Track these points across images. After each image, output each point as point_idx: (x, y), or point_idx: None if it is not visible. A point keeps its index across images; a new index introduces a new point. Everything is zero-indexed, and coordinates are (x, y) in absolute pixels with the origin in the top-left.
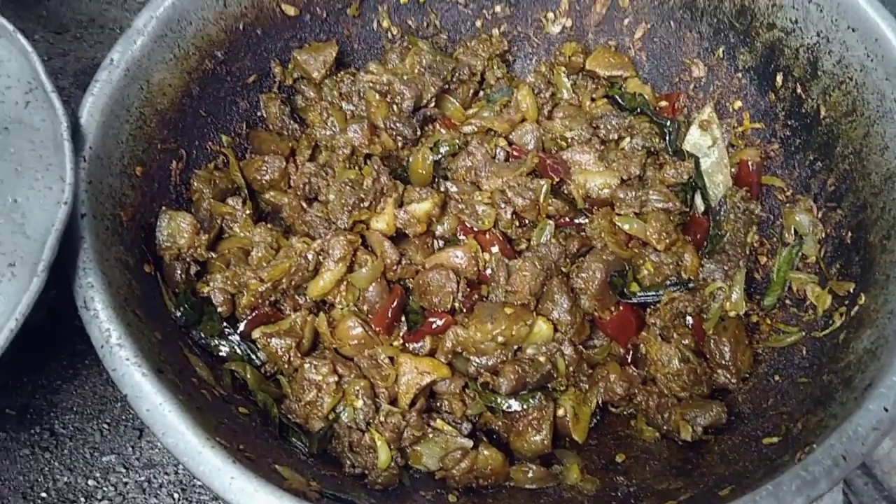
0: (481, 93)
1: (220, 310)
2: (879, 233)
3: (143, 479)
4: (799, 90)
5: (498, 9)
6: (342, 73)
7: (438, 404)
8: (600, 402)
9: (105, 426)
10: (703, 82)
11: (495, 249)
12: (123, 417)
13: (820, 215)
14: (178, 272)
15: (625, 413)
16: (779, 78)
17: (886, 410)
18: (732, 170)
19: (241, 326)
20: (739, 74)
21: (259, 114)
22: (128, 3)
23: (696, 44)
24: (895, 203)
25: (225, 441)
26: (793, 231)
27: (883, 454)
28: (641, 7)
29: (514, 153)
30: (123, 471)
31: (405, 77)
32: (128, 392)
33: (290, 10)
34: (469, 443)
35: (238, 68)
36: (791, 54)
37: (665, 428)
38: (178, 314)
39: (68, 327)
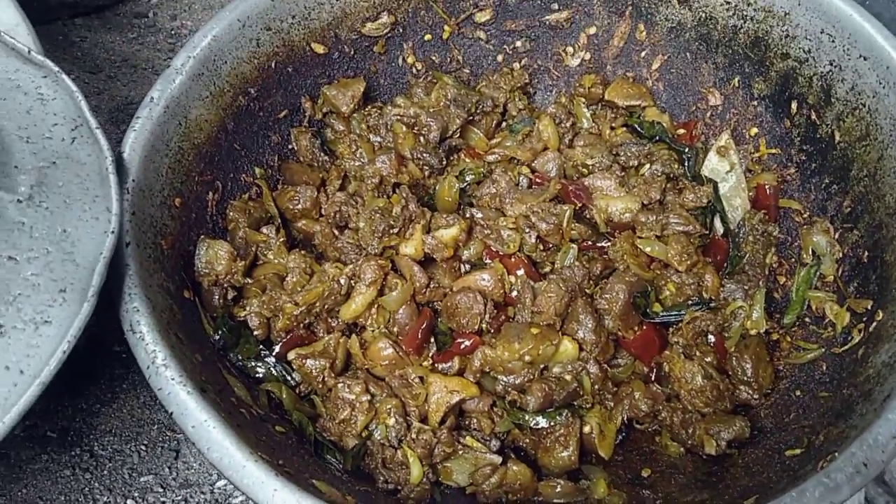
0: (504, 124)
1: (256, 333)
2: (895, 251)
3: (179, 498)
4: (813, 116)
5: (518, 44)
6: (370, 107)
7: (467, 422)
8: (625, 418)
9: (143, 448)
10: (720, 110)
11: (521, 272)
12: (160, 439)
13: (837, 236)
14: (217, 297)
15: (649, 429)
16: (793, 105)
17: None
18: (750, 194)
19: (277, 348)
20: (755, 102)
21: (290, 147)
22: (159, 43)
23: (712, 74)
24: None
25: (266, 456)
26: (810, 251)
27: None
28: (658, 40)
29: (537, 181)
30: (161, 490)
31: (431, 110)
32: (174, 410)
33: (320, 49)
34: (498, 459)
35: (270, 104)
36: (805, 82)
37: (689, 443)
38: (217, 337)
39: (107, 353)
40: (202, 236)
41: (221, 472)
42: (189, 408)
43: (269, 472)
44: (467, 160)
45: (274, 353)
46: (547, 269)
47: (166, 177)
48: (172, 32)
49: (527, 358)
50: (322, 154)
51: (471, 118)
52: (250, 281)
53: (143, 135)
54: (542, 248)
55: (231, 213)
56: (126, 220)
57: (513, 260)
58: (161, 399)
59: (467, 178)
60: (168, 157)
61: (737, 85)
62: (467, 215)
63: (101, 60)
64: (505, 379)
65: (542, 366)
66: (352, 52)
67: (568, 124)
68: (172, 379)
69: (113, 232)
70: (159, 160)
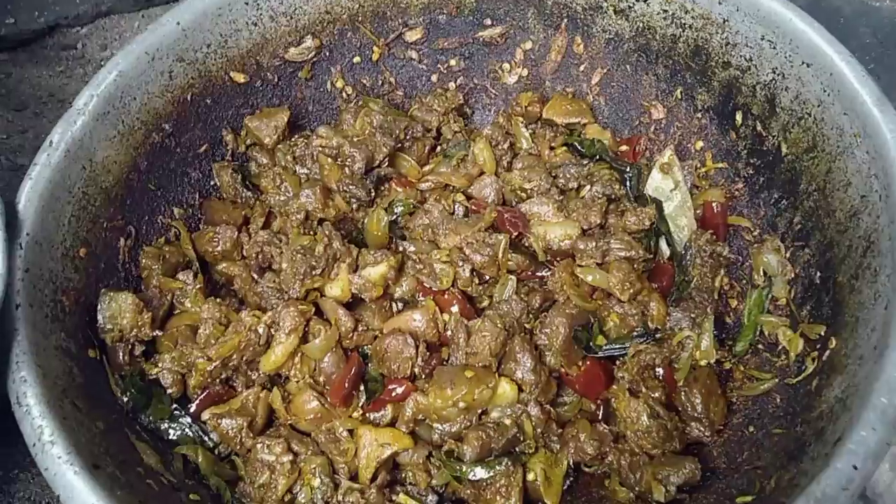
0: (438, 147)
1: (169, 391)
2: (847, 272)
3: None
4: (759, 128)
5: (453, 62)
6: (296, 136)
7: (402, 476)
8: (572, 462)
9: None
10: (664, 124)
11: (455, 309)
12: None
13: (788, 255)
14: (122, 355)
15: (598, 472)
16: (738, 116)
17: (856, 468)
18: (697, 212)
19: (193, 407)
20: (699, 114)
21: (212, 183)
22: (88, 76)
23: (654, 86)
24: (861, 241)
25: None
26: (762, 272)
27: (885, 487)
28: (596, 52)
29: (474, 207)
30: None
31: (356, 139)
32: (60, 493)
33: (240, 78)
34: None
35: (188, 139)
36: (748, 92)
37: (637, 489)
38: (125, 399)
39: None
40: (103, 289)
41: None
42: (76, 490)
43: None
44: (398, 189)
45: (190, 413)
46: (484, 303)
47: (69, 226)
48: (103, 63)
49: (461, 404)
50: (245, 189)
51: (400, 145)
52: (161, 334)
53: (41, 183)
54: (477, 281)
55: (144, 260)
56: (18, 278)
57: (446, 296)
58: (48, 480)
59: (397, 210)
60: (71, 205)
61: (679, 97)
62: (399, 249)
63: (27, 96)
64: (440, 427)
65: (479, 410)
66: (275, 79)
67: (505, 146)
68: (59, 457)
69: None
70: (60, 208)
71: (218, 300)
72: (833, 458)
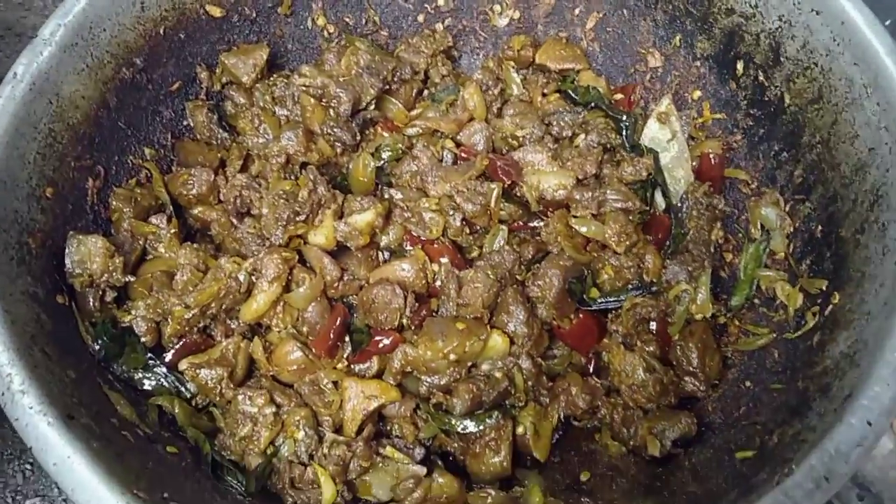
0: (426, 92)
1: (143, 340)
2: (852, 227)
3: None
4: (761, 77)
5: (441, 2)
6: (275, 76)
7: (388, 428)
8: (562, 416)
9: (27, 467)
10: (660, 72)
11: (445, 260)
12: None
13: (787, 208)
14: (92, 301)
15: (588, 426)
16: (739, 65)
17: (870, 424)
18: (694, 164)
19: (168, 356)
20: (698, 63)
21: (185, 123)
22: (47, 8)
23: (652, 32)
24: (867, 195)
25: (145, 492)
26: (759, 226)
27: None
28: None
29: (463, 155)
30: None
31: (342, 79)
32: (32, 444)
33: (216, 12)
34: (422, 470)
35: (160, 75)
36: (752, 40)
37: (631, 443)
38: (97, 347)
39: None
40: (71, 231)
41: None
42: (50, 441)
43: None
44: (385, 134)
45: (165, 362)
46: (474, 254)
47: (35, 164)
48: None
49: (452, 356)
50: (221, 130)
51: (387, 87)
52: (134, 279)
53: (5, 117)
54: (468, 231)
55: (114, 202)
56: None
57: (436, 246)
58: (18, 431)
59: (384, 155)
60: (37, 142)
61: (678, 44)
62: (385, 197)
63: None
64: (429, 380)
65: (469, 363)
66: (253, 14)
67: (496, 91)
68: (31, 407)
69: None
70: (25, 145)
71: (195, 245)
72: (846, 414)
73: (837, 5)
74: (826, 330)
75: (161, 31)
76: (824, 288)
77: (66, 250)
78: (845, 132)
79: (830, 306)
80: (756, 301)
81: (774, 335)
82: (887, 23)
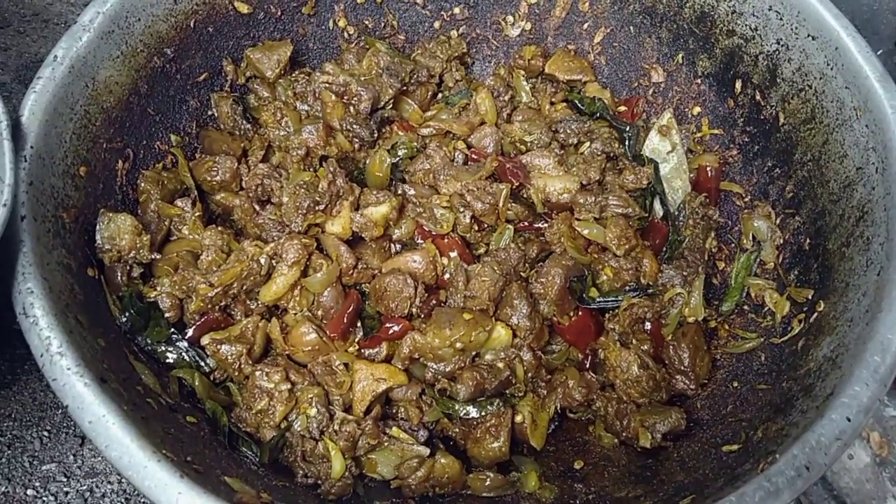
0: (440, 95)
1: (167, 315)
2: (838, 240)
3: (84, 488)
4: (758, 97)
5: (457, 10)
6: (297, 72)
7: (395, 411)
8: (558, 407)
9: (45, 434)
10: (663, 87)
11: (454, 254)
12: (64, 425)
13: (778, 221)
14: (120, 275)
15: (583, 418)
16: (738, 84)
17: (849, 420)
18: (691, 175)
19: (190, 332)
20: (699, 80)
21: (210, 113)
22: None
23: (656, 49)
24: (854, 211)
25: (171, 453)
26: (751, 237)
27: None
28: (601, 11)
29: (473, 156)
30: (64, 479)
31: (363, 78)
32: (69, 403)
33: (244, 8)
34: (426, 451)
35: (189, 66)
36: (750, 61)
37: (624, 434)
38: (123, 319)
39: (6, 331)
40: (102, 209)
41: (121, 472)
42: (86, 401)
43: (173, 473)
44: (400, 133)
45: (187, 337)
46: (481, 250)
47: (70, 143)
48: None
49: (458, 345)
50: (244, 122)
51: (405, 88)
52: (159, 257)
53: (45, 97)
54: (476, 228)
55: (143, 184)
56: (22, 190)
57: (446, 241)
58: (55, 390)
59: (400, 153)
60: (73, 122)
61: (681, 61)
62: (399, 192)
63: (10, 14)
64: (435, 366)
65: (473, 353)
66: (278, 13)
67: (506, 98)
68: (69, 369)
69: (5, 204)
70: (63, 125)
71: (220, 228)
72: (827, 410)
73: (832, 32)
74: (811, 336)
75: (191, 24)
76: (810, 297)
77: (97, 226)
78: (835, 151)
79: (816, 314)
80: (745, 307)
81: (762, 339)
82: (879, 52)
